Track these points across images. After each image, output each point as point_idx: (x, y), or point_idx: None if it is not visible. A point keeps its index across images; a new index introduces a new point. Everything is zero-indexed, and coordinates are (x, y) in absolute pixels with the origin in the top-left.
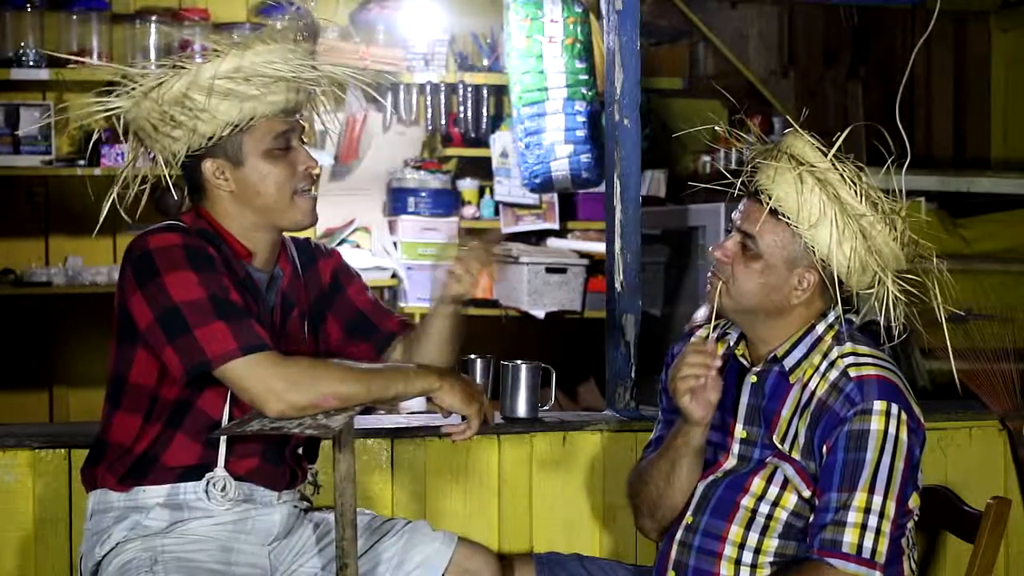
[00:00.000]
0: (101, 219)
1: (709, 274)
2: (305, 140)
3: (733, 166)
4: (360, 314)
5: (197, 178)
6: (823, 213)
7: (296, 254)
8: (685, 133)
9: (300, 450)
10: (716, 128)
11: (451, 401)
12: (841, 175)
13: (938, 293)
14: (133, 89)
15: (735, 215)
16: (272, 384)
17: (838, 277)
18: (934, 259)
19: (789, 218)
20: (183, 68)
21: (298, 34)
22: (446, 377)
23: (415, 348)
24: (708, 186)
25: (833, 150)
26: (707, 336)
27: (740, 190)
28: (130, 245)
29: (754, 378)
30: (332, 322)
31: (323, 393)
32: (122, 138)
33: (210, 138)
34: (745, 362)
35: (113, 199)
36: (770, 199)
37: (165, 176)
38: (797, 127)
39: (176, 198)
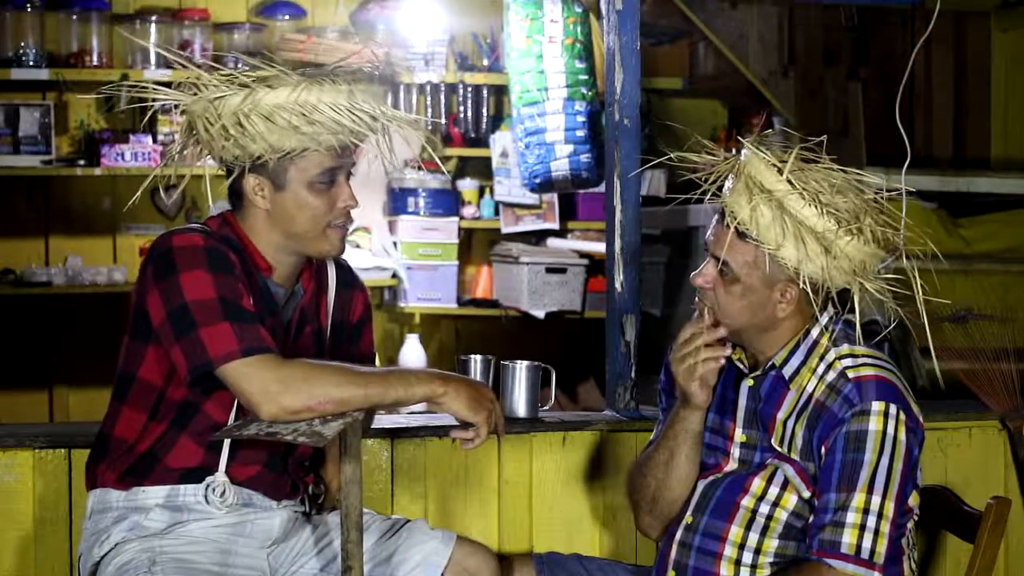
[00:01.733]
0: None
1: (696, 299)
2: (352, 173)
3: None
4: (365, 356)
5: (237, 187)
6: (785, 233)
7: (334, 273)
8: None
9: (306, 463)
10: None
11: (456, 408)
12: (800, 194)
13: (919, 288)
14: (199, 91)
15: (708, 238)
16: (267, 387)
17: (818, 285)
18: (904, 255)
19: (755, 240)
20: (249, 84)
21: (371, 77)
22: (451, 382)
23: None
24: (685, 196)
25: (787, 169)
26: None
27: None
28: (154, 243)
29: (751, 381)
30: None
31: (317, 397)
32: (176, 126)
33: (258, 157)
34: (742, 366)
35: (154, 191)
36: (734, 221)
37: (205, 177)
38: (750, 145)
39: (175, 198)
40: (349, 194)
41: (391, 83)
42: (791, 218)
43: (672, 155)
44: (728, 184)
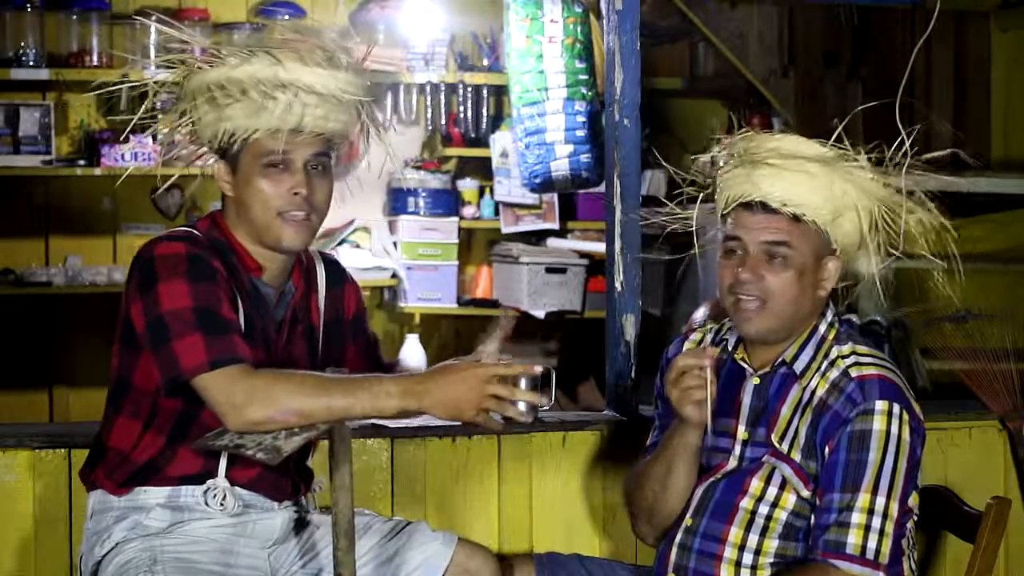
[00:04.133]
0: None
1: (735, 299)
2: (320, 167)
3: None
4: (372, 345)
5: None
6: (836, 204)
7: (323, 271)
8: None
9: (309, 461)
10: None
11: (441, 417)
12: (843, 156)
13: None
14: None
15: (735, 231)
16: (233, 398)
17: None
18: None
19: (808, 215)
20: (207, 64)
21: (327, 53)
22: (427, 398)
23: None
24: (676, 206)
25: (831, 142)
26: (701, 339)
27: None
28: (139, 251)
29: (757, 380)
30: (350, 349)
31: (280, 408)
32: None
33: (230, 137)
34: (745, 365)
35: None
36: (779, 202)
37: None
38: (746, 125)
39: (177, 198)
40: (300, 181)
41: (343, 55)
42: (844, 182)
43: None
44: (741, 177)
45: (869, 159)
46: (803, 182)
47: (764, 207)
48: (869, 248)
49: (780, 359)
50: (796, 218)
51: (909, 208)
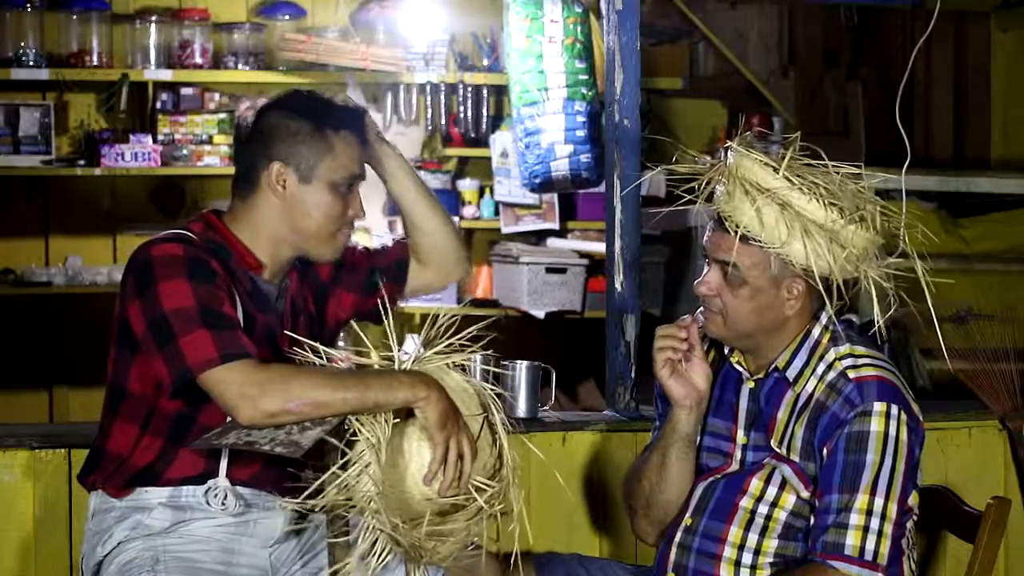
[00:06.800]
0: None
1: (701, 308)
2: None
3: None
4: (369, 269)
5: (254, 174)
6: (791, 230)
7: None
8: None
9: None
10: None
11: (430, 414)
12: (800, 189)
13: (927, 284)
14: None
15: (706, 243)
16: (245, 390)
17: (824, 279)
18: (905, 252)
19: (760, 241)
20: None
21: None
22: (433, 388)
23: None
24: (671, 209)
25: (784, 166)
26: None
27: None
28: (134, 253)
29: (751, 384)
30: (344, 296)
31: (295, 399)
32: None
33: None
34: (742, 369)
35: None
36: (736, 226)
37: None
38: (739, 148)
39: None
40: (360, 205)
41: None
42: (795, 215)
43: (659, 168)
44: (720, 189)
45: (823, 163)
46: (755, 212)
47: (723, 226)
48: (828, 264)
49: (773, 365)
50: (748, 241)
51: (851, 227)
